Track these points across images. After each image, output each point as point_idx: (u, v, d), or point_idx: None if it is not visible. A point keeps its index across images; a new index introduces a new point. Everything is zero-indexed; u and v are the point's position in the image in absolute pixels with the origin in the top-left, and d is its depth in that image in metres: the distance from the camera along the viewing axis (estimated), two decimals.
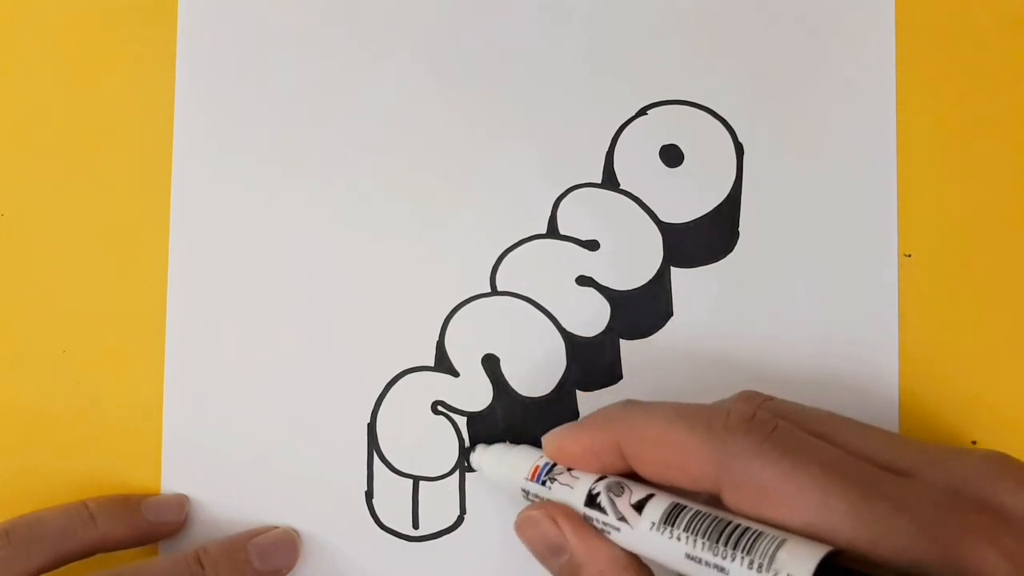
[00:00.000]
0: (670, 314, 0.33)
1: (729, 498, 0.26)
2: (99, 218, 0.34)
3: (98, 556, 0.32)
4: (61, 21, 0.35)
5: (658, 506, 0.26)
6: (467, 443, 0.33)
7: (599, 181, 0.34)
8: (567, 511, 0.28)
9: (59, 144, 0.35)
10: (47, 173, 0.35)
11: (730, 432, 0.26)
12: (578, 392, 0.33)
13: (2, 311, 0.34)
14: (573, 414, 0.33)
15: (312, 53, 0.35)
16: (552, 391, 0.33)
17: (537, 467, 0.30)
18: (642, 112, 0.34)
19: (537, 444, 0.33)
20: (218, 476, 0.34)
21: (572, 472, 0.29)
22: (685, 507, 0.26)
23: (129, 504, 0.32)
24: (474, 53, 0.34)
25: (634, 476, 0.28)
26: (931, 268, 0.33)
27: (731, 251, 0.34)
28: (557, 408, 0.33)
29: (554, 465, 0.29)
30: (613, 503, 0.27)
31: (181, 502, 0.33)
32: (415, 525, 0.33)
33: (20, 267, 0.34)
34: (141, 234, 0.34)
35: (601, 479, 0.28)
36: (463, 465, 0.33)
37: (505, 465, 0.31)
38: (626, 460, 0.28)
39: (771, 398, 0.29)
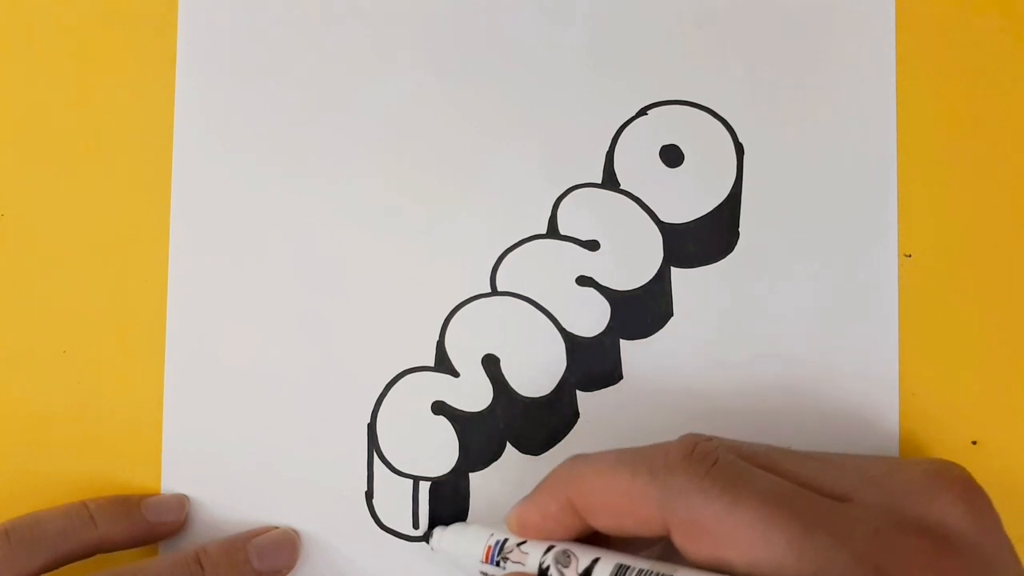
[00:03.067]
0: (670, 314, 0.33)
1: (676, 539, 0.26)
2: (99, 218, 0.34)
3: (98, 556, 0.32)
4: (61, 22, 0.35)
5: (604, 571, 0.27)
6: (426, 518, 0.33)
7: (599, 181, 0.34)
8: None
9: (59, 144, 0.35)
10: (47, 173, 0.35)
11: (670, 471, 0.26)
12: (578, 392, 0.33)
13: (2, 311, 0.34)
14: (573, 414, 0.33)
15: (312, 54, 0.35)
16: (552, 391, 0.33)
17: (489, 547, 0.30)
18: (642, 112, 0.34)
19: (537, 446, 0.33)
20: (218, 476, 0.34)
21: (521, 547, 0.29)
22: (629, 568, 0.26)
23: (129, 504, 0.32)
24: (474, 53, 0.34)
25: (596, 534, 0.28)
26: (931, 268, 0.33)
27: (731, 251, 0.34)
28: (557, 408, 0.33)
29: (504, 542, 0.29)
30: (563, 574, 0.27)
31: (181, 502, 0.33)
32: (415, 525, 0.33)
33: (20, 267, 0.34)
34: (141, 234, 0.34)
35: (550, 549, 0.28)
36: (463, 465, 0.33)
37: (461, 548, 0.31)
38: (582, 517, 0.28)
39: (712, 437, 0.29)
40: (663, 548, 0.27)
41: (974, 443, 0.33)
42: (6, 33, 0.35)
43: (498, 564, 0.29)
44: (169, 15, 0.35)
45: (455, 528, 0.32)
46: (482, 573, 0.30)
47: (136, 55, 0.35)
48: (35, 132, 0.35)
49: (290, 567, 0.33)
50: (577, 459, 0.29)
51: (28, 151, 0.35)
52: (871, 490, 0.26)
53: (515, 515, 0.29)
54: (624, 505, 0.27)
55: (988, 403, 0.33)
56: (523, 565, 0.28)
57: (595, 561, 0.27)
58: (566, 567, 0.27)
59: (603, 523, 0.27)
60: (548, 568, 0.28)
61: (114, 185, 0.34)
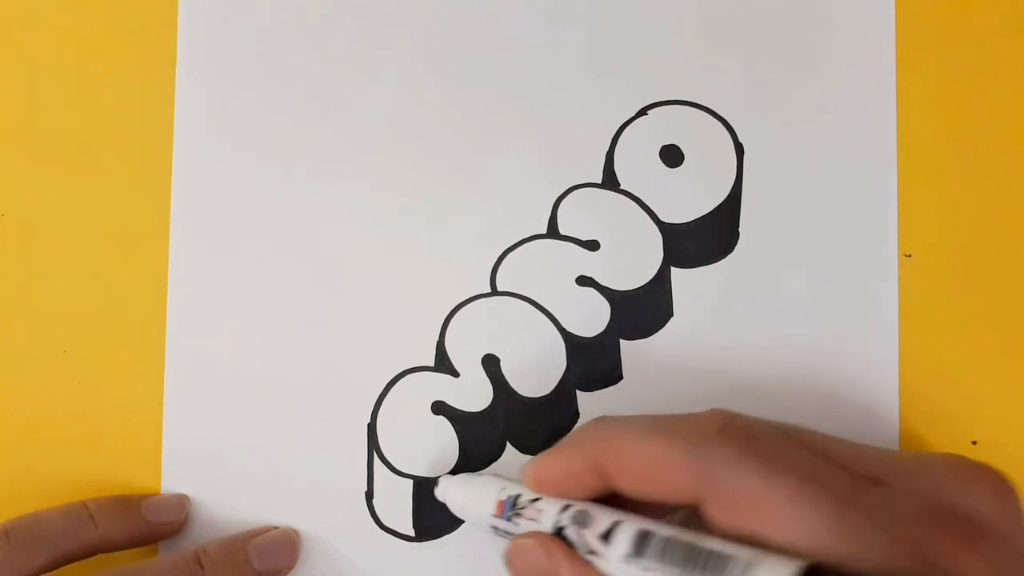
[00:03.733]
0: (670, 314, 0.33)
1: (710, 510, 0.25)
2: (99, 218, 0.34)
3: (98, 557, 0.32)
4: (61, 22, 0.35)
5: (625, 536, 0.26)
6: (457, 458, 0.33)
7: (599, 181, 0.34)
8: (559, 541, 0.27)
9: (59, 144, 0.35)
10: (47, 173, 0.35)
11: (709, 442, 0.26)
12: (578, 392, 0.33)
13: (2, 311, 0.34)
14: (573, 414, 0.33)
15: (312, 53, 0.35)
16: (552, 391, 0.33)
17: (501, 502, 0.29)
18: (642, 112, 0.34)
19: (537, 446, 0.33)
20: (218, 476, 0.34)
21: (536, 504, 0.28)
22: (653, 534, 0.25)
23: (129, 504, 0.32)
24: (474, 54, 0.34)
25: (613, 496, 0.27)
26: (931, 268, 0.33)
27: (731, 251, 0.34)
28: (557, 408, 0.33)
29: (517, 498, 0.28)
30: (581, 536, 0.26)
31: (181, 502, 0.33)
32: (415, 525, 0.33)
33: (20, 267, 0.34)
34: (141, 234, 0.34)
35: (567, 508, 0.27)
36: (463, 465, 0.33)
37: (471, 500, 0.30)
38: (606, 480, 0.27)
39: (739, 414, 0.28)
40: (685, 516, 0.27)
41: (974, 443, 0.33)
42: (6, 33, 0.35)
43: (510, 519, 0.28)
44: (169, 15, 0.35)
45: (464, 478, 0.31)
46: (492, 527, 0.29)
47: (136, 55, 0.35)
48: (35, 132, 0.35)
49: (290, 567, 0.33)
50: (606, 420, 0.28)
51: (28, 151, 0.35)
52: (904, 477, 0.26)
53: (533, 470, 0.28)
54: (658, 472, 0.26)
55: (988, 403, 0.33)
56: (537, 523, 0.27)
57: (616, 524, 0.26)
58: (585, 528, 0.26)
59: (632, 487, 0.27)
60: (564, 528, 0.27)
61: (114, 185, 0.34)
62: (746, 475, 0.25)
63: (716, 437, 0.26)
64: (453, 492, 0.31)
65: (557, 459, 0.28)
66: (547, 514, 0.27)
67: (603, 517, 0.26)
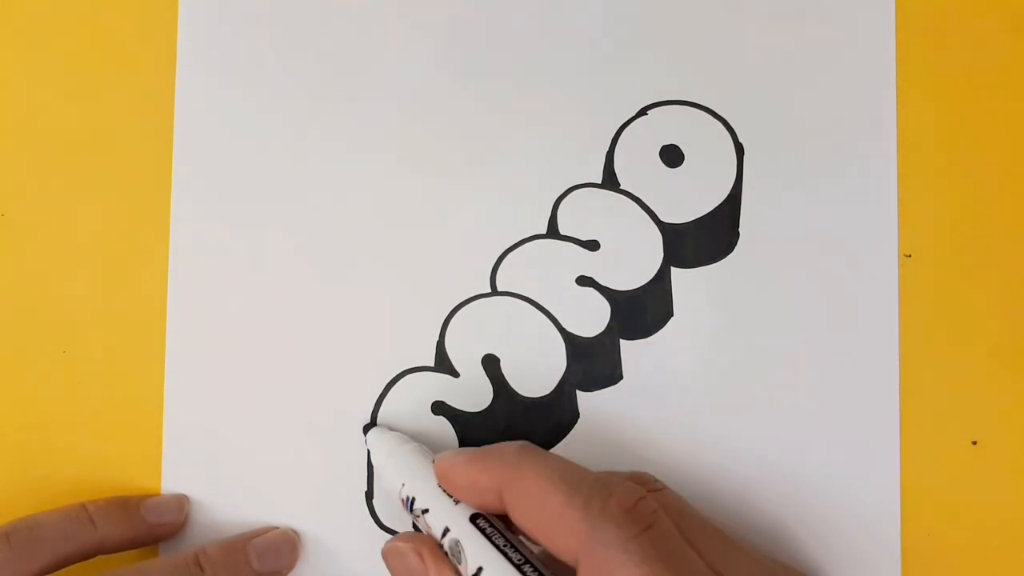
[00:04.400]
0: (670, 314, 0.33)
1: None
2: (99, 218, 0.34)
3: (98, 558, 0.32)
4: (61, 21, 0.35)
5: None
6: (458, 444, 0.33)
7: (599, 181, 0.34)
8: (433, 547, 0.29)
9: (59, 144, 0.35)
10: (47, 173, 0.35)
11: (604, 515, 0.26)
12: (578, 392, 0.33)
13: (2, 311, 0.34)
14: (573, 414, 0.33)
15: (311, 53, 0.35)
16: (552, 391, 0.33)
17: (403, 499, 0.30)
18: (642, 112, 0.34)
19: (539, 445, 0.33)
20: (218, 476, 0.34)
21: (426, 516, 0.29)
22: None
23: (128, 506, 0.32)
24: (474, 54, 0.34)
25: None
26: (931, 268, 0.33)
27: (731, 251, 0.34)
28: (557, 408, 0.33)
29: (413, 502, 0.30)
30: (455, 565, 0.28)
31: (181, 502, 0.33)
32: (415, 526, 0.33)
33: (20, 267, 0.34)
34: (141, 234, 0.34)
35: (446, 533, 0.28)
36: None
37: (384, 474, 0.32)
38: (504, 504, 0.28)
39: (663, 488, 0.28)
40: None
41: (974, 443, 0.33)
42: (6, 33, 0.35)
43: (411, 511, 0.30)
44: (169, 15, 0.35)
45: (387, 445, 0.32)
46: (400, 498, 0.31)
47: (136, 55, 0.35)
48: (35, 132, 0.35)
49: (290, 567, 0.33)
50: (525, 451, 0.28)
51: (28, 151, 0.35)
52: None
53: (446, 468, 0.29)
54: (548, 524, 0.26)
55: (988, 403, 0.33)
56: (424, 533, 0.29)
57: (480, 570, 0.27)
58: (456, 560, 0.28)
59: (521, 524, 0.27)
60: (443, 546, 0.29)
61: (114, 185, 0.34)
62: (625, 566, 0.25)
63: (614, 516, 0.26)
64: (380, 446, 0.32)
65: (468, 468, 0.29)
66: (434, 530, 0.29)
67: (473, 558, 0.28)
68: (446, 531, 0.29)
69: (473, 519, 0.28)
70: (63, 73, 0.35)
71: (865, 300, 0.33)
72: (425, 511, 0.29)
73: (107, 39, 0.35)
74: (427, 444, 0.33)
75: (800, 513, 0.33)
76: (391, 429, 0.33)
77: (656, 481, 0.29)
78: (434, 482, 0.30)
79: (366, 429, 0.33)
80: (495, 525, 0.28)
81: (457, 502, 0.29)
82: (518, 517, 0.27)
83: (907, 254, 0.33)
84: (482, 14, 0.34)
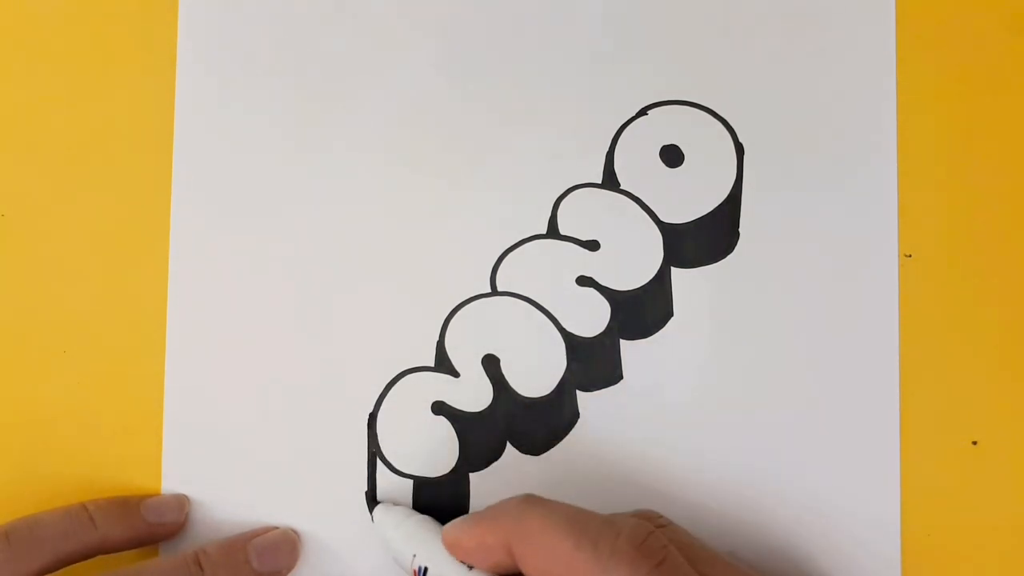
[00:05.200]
0: (670, 314, 0.33)
1: None
2: (99, 218, 0.34)
3: (98, 558, 0.32)
4: (61, 21, 0.35)
5: None
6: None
7: (599, 181, 0.34)
8: None
9: (59, 144, 0.35)
10: (47, 173, 0.35)
11: (615, 556, 0.26)
12: (578, 392, 0.33)
13: (2, 311, 0.34)
14: (573, 414, 0.33)
15: (311, 53, 0.35)
16: (552, 391, 0.33)
17: (415, 571, 0.30)
18: (642, 112, 0.34)
19: (537, 446, 0.33)
20: (218, 476, 0.34)
21: None
22: None
23: (128, 506, 0.32)
24: (474, 55, 0.34)
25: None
26: (931, 268, 0.33)
27: (731, 251, 0.34)
28: (557, 408, 0.33)
29: (426, 572, 0.30)
30: None
31: (181, 502, 0.33)
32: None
33: (20, 267, 0.34)
34: (141, 234, 0.34)
35: None
36: (463, 465, 0.33)
37: (394, 546, 0.31)
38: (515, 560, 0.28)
39: (668, 523, 0.29)
40: None
41: (974, 443, 0.33)
42: (6, 33, 0.35)
43: None
44: (169, 15, 0.35)
45: (396, 518, 0.32)
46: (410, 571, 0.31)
47: (136, 55, 0.35)
48: (35, 132, 0.35)
49: (290, 567, 0.33)
50: (528, 502, 0.28)
51: (28, 151, 0.35)
52: None
53: (453, 535, 0.29)
54: (559, 570, 0.26)
55: (988, 403, 0.33)
56: None
57: None
58: None
59: (533, 575, 0.27)
60: None
61: (114, 185, 0.34)
62: None
63: (627, 553, 0.26)
64: (383, 529, 0.32)
65: (474, 529, 0.29)
66: None
67: None
68: None
69: None
70: (63, 73, 0.35)
71: (865, 300, 0.33)
72: None
73: (107, 39, 0.35)
74: (427, 444, 0.33)
75: (800, 512, 0.33)
76: (395, 504, 0.33)
77: (661, 517, 0.30)
78: (444, 551, 0.30)
79: (371, 506, 0.33)
80: None
81: (471, 568, 0.29)
82: (529, 568, 0.27)
83: (907, 254, 0.33)
84: (482, 14, 0.34)
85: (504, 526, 0.28)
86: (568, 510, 0.28)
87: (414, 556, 0.30)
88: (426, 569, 0.30)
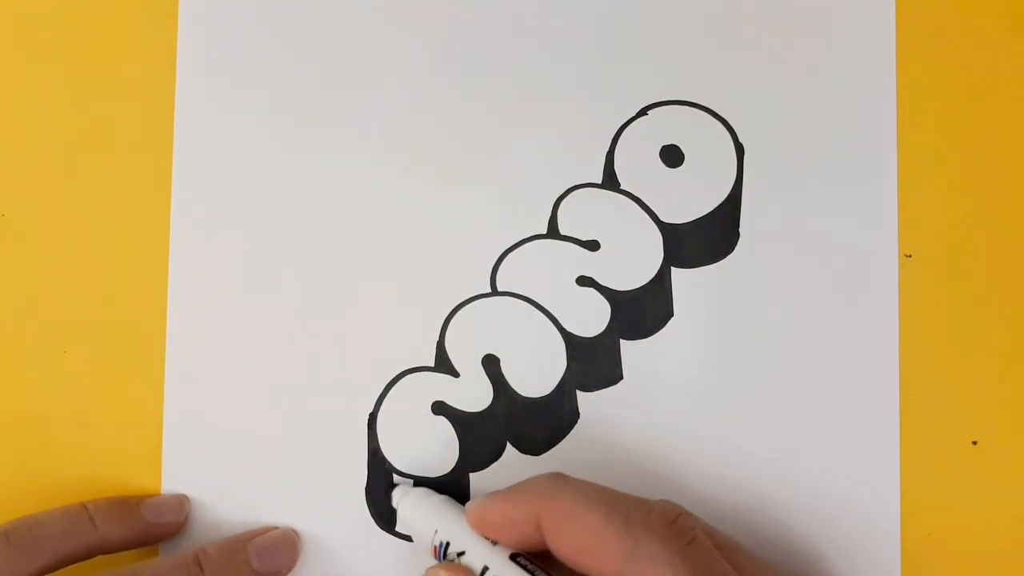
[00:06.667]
0: (670, 314, 0.33)
1: None
2: (99, 218, 0.34)
3: (98, 558, 0.32)
4: (61, 21, 0.35)
5: None
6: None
7: (599, 181, 0.34)
8: None
9: (59, 144, 0.35)
10: (47, 173, 0.35)
11: (646, 531, 0.26)
12: (578, 392, 0.33)
13: (2, 311, 0.34)
14: (573, 414, 0.33)
15: (311, 53, 0.35)
16: (552, 391, 0.33)
17: (436, 547, 0.30)
18: (642, 112, 0.34)
19: (537, 446, 0.33)
20: (218, 476, 0.34)
21: (461, 558, 0.29)
22: None
23: (129, 506, 0.32)
24: (474, 55, 0.34)
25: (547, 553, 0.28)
26: (931, 268, 0.33)
27: (731, 251, 0.34)
28: (557, 408, 0.33)
29: (447, 547, 0.30)
30: None
31: (181, 502, 0.33)
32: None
33: (20, 267, 0.34)
34: (141, 234, 0.34)
35: (485, 572, 0.28)
36: (463, 465, 0.33)
37: (414, 525, 0.31)
38: (543, 535, 0.28)
39: (691, 515, 0.29)
40: None
41: (974, 443, 0.33)
42: (6, 33, 0.35)
43: (444, 557, 0.30)
44: (169, 15, 0.35)
45: (415, 498, 0.32)
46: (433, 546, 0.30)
47: (136, 55, 0.35)
48: (35, 132, 0.35)
49: (290, 567, 0.33)
50: (558, 478, 0.28)
51: (28, 151, 0.35)
52: None
53: (478, 510, 0.29)
54: (589, 544, 0.27)
55: (988, 403, 0.33)
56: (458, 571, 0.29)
57: None
58: None
59: (562, 551, 0.27)
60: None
61: (114, 185, 0.34)
62: None
63: (657, 529, 0.26)
64: (403, 511, 0.32)
65: (503, 504, 0.29)
66: (470, 568, 0.29)
67: None
68: (485, 570, 0.28)
69: (513, 557, 0.28)
70: (63, 73, 0.35)
71: (865, 300, 0.33)
72: (461, 553, 0.29)
73: (107, 39, 0.35)
74: (427, 444, 0.33)
75: (800, 513, 0.33)
76: (415, 486, 0.33)
77: (682, 508, 0.30)
78: (467, 526, 0.30)
79: (388, 490, 0.33)
80: (535, 562, 0.28)
81: (495, 543, 0.29)
82: (557, 542, 0.27)
83: (907, 254, 0.33)
84: (481, 15, 0.34)
85: (533, 501, 0.28)
86: (596, 487, 0.28)
87: (436, 532, 0.30)
88: (447, 544, 0.30)
